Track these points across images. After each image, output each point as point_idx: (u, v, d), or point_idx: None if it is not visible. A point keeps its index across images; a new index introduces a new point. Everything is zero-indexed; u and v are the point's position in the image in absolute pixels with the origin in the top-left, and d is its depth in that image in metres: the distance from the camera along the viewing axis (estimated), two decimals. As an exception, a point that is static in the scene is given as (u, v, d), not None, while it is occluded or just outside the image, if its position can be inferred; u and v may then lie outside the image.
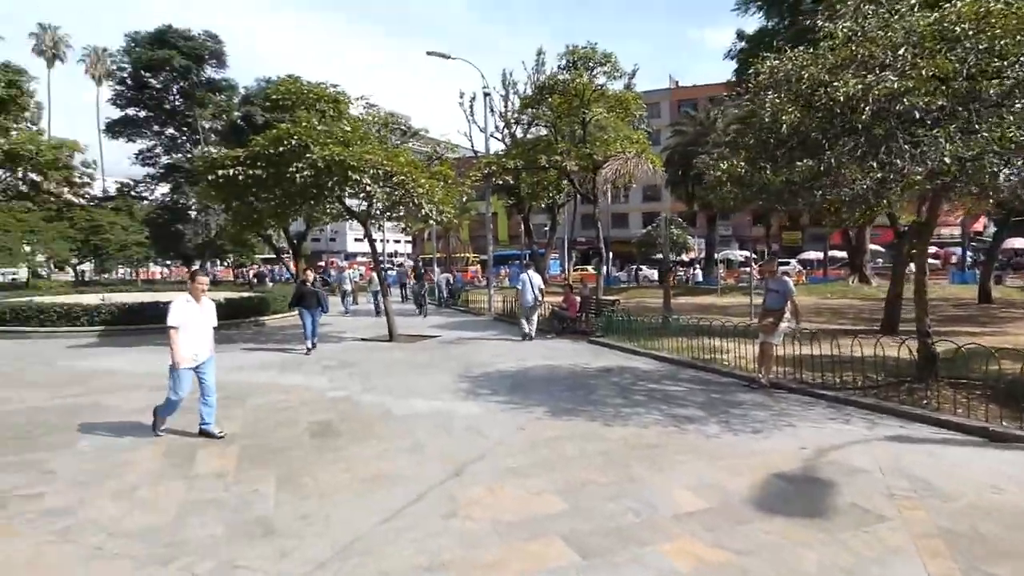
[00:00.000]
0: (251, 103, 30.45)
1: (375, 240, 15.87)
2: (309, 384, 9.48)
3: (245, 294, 21.59)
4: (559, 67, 21.97)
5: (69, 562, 3.93)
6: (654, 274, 39.58)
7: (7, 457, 6.02)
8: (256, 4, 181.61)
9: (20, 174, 33.80)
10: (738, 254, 42.83)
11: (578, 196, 26.82)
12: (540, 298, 14.93)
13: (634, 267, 41.60)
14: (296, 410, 7.92)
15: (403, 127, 21.87)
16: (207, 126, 34.59)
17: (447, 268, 34.17)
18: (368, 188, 13.18)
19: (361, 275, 32.03)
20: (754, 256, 29.77)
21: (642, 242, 38.82)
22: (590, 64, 20.28)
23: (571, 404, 7.94)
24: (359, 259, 69.53)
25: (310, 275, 13.29)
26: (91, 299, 19.60)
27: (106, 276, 38.96)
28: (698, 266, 38.91)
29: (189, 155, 33.80)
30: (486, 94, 22.65)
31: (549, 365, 10.98)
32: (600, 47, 20.33)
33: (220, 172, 12.59)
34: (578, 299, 16.02)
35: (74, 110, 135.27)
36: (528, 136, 29.01)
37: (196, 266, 39.63)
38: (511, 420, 7.19)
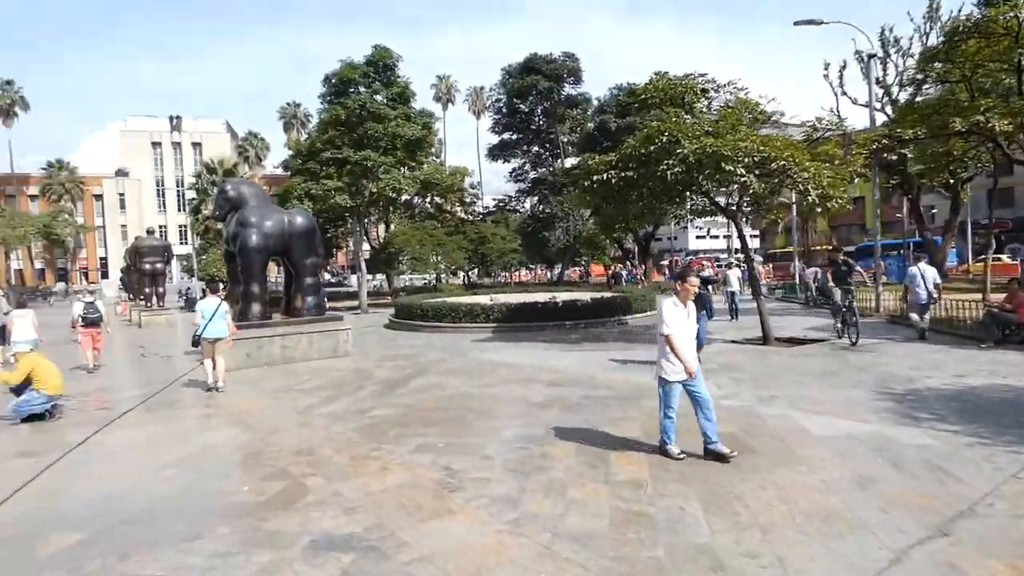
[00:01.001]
0: (605, 112, 32.13)
1: (745, 236, 14.65)
2: (696, 389, 8.94)
3: (606, 294, 22.52)
4: (974, 3, 17.25)
5: (527, 557, 4.02)
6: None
7: (451, 439, 6.89)
8: (596, 19, 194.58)
9: (428, 199, 42.31)
10: None
11: (995, 168, 20.81)
12: (936, 295, 12.88)
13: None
14: (693, 417, 7.41)
15: (761, 112, 19.95)
16: (565, 140, 37.82)
17: (808, 263, 30.48)
18: (743, 178, 12.11)
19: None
20: None
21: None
22: (1031, -14, 15.28)
23: (1083, 448, 5.64)
24: (701, 257, 67.78)
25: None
26: (482, 299, 22.92)
27: (488, 279, 45.81)
28: None
29: (551, 168, 37.44)
30: (870, 56, 19.15)
31: (1007, 385, 8.31)
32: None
33: (594, 177, 13.07)
34: (1029, 298, 12.09)
35: (460, 142, 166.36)
36: (917, 100, 23.79)
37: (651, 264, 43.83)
38: (987, 461, 5.40)
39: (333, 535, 4.47)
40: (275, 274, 35.95)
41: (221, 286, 11.76)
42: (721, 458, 5.64)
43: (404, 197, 36.71)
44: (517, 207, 42.99)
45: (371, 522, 4.66)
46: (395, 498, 5.14)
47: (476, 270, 43.77)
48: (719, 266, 33.43)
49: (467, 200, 46.03)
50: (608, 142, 29.36)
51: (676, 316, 5.81)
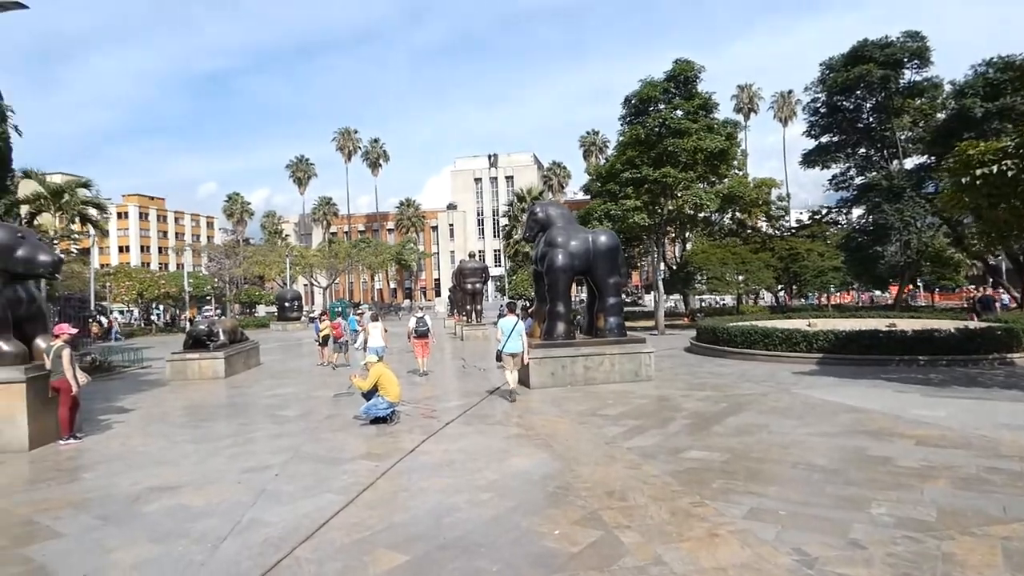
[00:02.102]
0: (965, 95, 25.66)
1: None
2: None
3: (972, 324, 17.52)
4: None
5: None
6: None
7: (796, 506, 5.42)
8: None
9: (730, 214, 39.50)
10: None
11: None
12: None
13: None
14: None
15: None
16: (903, 137, 31.50)
17: None
18: None
19: None
20: None
21: None
22: None
23: None
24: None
25: None
26: (798, 324, 19.96)
27: (801, 301, 40.83)
28: None
29: (884, 172, 31.49)
30: None
31: None
32: None
33: (978, 171, 9.96)
34: None
35: (763, 153, 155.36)
36: None
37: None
38: None
39: (662, 624, 3.55)
40: (574, 293, 37.33)
41: (527, 305, 12.11)
42: None
43: (703, 214, 34.93)
44: (837, 219, 37.34)
45: (709, 616, 3.62)
46: (736, 584, 4.00)
47: (783, 291, 39.24)
48: None
49: (774, 214, 41.82)
50: (970, 133, 23.31)
51: None
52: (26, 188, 28.72)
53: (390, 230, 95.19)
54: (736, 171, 36.06)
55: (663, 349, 19.14)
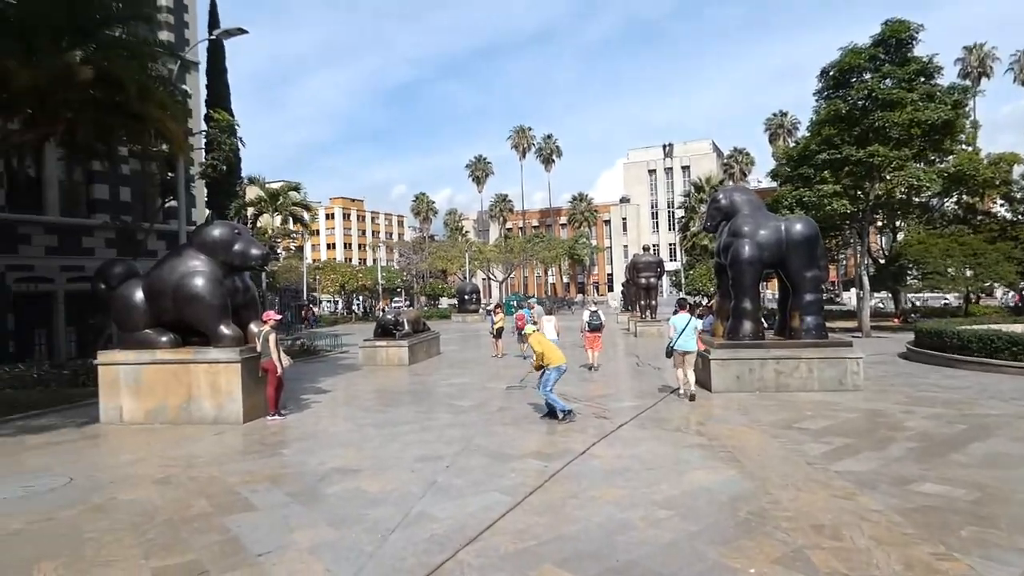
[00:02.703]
0: None
1: None
2: None
3: None
4: None
5: None
6: None
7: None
8: None
9: (955, 198, 33.45)
10: None
11: None
12: None
13: None
14: None
15: None
16: None
17: None
18: None
19: None
20: None
21: None
22: None
23: None
24: None
25: None
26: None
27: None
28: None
29: None
30: None
31: None
32: None
33: None
34: None
35: (993, 125, 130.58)
36: None
37: None
38: None
39: None
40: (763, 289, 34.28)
41: (702, 303, 11.14)
42: None
43: (920, 198, 30.00)
44: None
45: None
46: None
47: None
48: None
49: (1016, 196, 34.75)
50: None
51: None
52: (251, 193, 33.33)
53: (563, 225, 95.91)
54: (964, 146, 30.53)
55: (871, 354, 16.57)
